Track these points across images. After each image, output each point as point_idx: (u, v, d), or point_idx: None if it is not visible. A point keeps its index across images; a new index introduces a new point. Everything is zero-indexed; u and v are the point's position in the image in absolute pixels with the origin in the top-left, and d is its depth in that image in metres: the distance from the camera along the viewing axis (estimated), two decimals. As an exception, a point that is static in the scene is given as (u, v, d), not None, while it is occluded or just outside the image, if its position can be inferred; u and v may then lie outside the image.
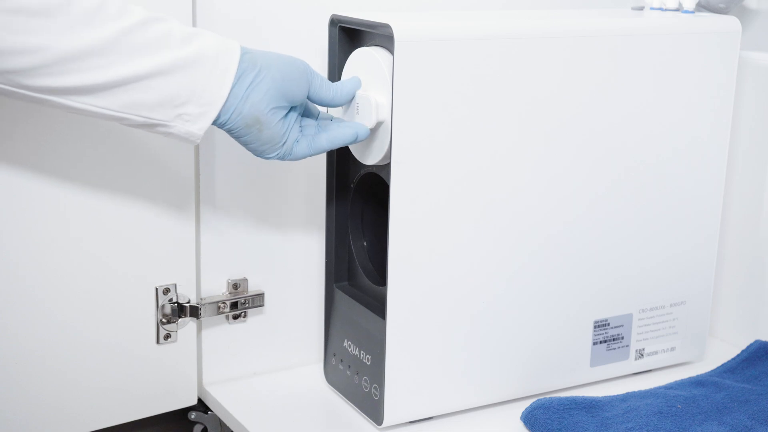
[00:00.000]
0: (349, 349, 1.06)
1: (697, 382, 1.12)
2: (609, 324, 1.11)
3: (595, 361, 1.12)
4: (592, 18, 1.08)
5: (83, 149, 0.99)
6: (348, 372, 1.07)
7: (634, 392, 1.09)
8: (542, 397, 1.07)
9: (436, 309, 1.01)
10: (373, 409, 1.03)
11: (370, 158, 1.00)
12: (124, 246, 1.04)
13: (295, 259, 1.15)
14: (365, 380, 1.04)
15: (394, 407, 1.01)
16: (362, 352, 1.04)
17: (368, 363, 1.03)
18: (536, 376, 1.09)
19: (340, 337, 1.08)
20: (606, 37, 1.04)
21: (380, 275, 1.06)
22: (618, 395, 1.08)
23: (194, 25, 1.03)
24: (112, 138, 1.01)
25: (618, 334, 1.12)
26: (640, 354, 1.15)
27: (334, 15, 1.02)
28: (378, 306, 1.03)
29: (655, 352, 1.16)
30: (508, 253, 1.03)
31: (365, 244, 1.08)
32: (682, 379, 1.13)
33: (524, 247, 1.04)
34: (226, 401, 1.09)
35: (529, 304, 1.06)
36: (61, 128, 0.98)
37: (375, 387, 1.02)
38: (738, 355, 1.19)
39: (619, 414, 1.03)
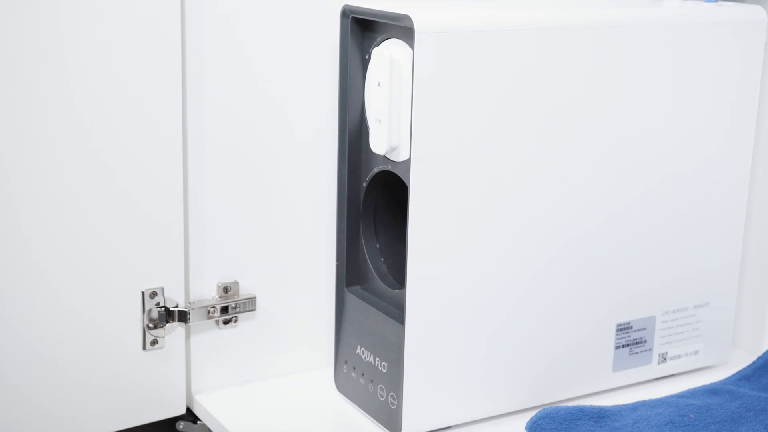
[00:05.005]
0: (363, 356, 1.02)
1: (711, 390, 1.08)
2: (632, 327, 1.08)
3: (617, 366, 1.08)
4: (610, 8, 1.03)
5: (64, 143, 0.95)
6: (362, 380, 1.03)
7: (644, 401, 1.05)
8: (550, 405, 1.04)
9: (456, 313, 0.97)
10: (389, 418, 0.99)
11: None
12: (107, 247, 0.99)
13: (289, 262, 1.10)
14: (381, 388, 1.00)
15: (412, 416, 0.97)
16: (377, 359, 1.00)
17: (384, 370, 0.99)
18: (559, 382, 1.05)
19: (353, 343, 1.04)
20: (623, 28, 1.00)
21: (395, 278, 1.02)
22: (628, 404, 1.04)
23: (187, 22, 0.99)
24: (94, 132, 0.96)
25: (641, 338, 1.09)
26: (663, 358, 1.11)
27: (346, 5, 0.97)
28: (394, 311, 0.99)
29: (679, 356, 1.12)
30: (530, 254, 1.00)
31: (378, 245, 1.04)
32: (695, 387, 1.09)
33: (547, 248, 1.00)
34: (216, 410, 1.05)
35: (552, 307, 1.02)
36: (42, 125, 0.93)
37: (392, 395, 0.98)
38: (754, 362, 1.14)
39: (629, 424, 0.99)
